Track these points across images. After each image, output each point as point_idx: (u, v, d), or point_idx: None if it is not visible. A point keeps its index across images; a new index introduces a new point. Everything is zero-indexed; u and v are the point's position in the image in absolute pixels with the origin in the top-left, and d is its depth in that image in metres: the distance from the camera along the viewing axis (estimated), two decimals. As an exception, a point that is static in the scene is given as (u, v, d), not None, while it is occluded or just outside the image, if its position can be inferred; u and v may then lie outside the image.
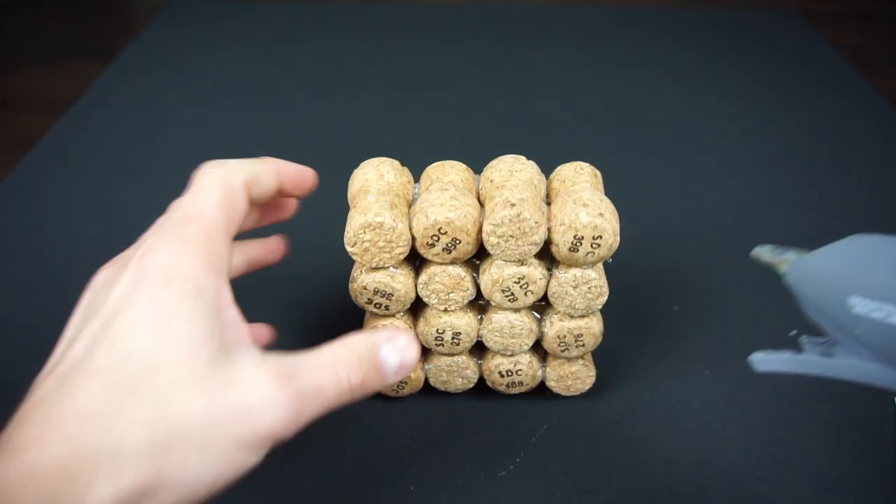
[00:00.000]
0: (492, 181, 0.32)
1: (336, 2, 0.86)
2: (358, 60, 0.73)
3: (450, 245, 0.30)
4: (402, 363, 0.26)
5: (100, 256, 0.48)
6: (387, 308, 0.33)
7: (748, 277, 0.47)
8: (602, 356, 0.38)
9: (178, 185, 0.55)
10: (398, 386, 0.36)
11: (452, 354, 0.35)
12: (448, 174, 0.34)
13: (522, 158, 0.34)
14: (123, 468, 0.20)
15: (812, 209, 0.53)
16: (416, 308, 0.34)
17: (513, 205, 0.29)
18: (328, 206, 0.54)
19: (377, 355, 0.26)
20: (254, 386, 0.23)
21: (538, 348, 0.36)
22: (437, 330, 0.33)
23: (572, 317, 0.33)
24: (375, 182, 0.33)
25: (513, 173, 0.32)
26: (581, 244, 0.30)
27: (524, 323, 0.33)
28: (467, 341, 0.33)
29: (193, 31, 0.79)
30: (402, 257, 0.31)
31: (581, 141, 0.61)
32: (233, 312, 0.25)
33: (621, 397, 0.38)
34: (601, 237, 0.30)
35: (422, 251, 0.31)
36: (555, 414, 0.37)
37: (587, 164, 0.34)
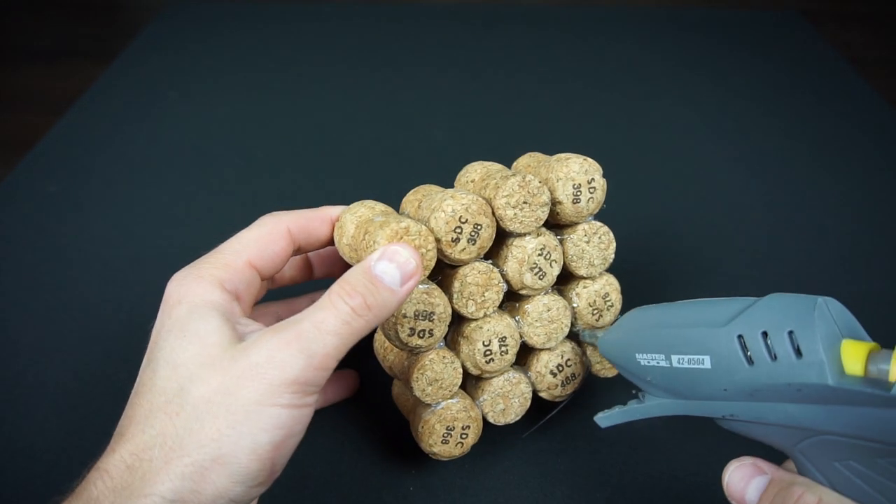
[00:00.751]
0: (473, 181, 0.33)
1: (336, 2, 0.86)
2: (358, 60, 0.73)
3: (473, 234, 0.30)
4: (404, 271, 0.27)
5: (100, 256, 0.48)
6: (431, 333, 0.30)
7: (747, 277, 0.47)
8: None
9: (177, 185, 0.55)
10: (460, 437, 0.33)
11: (503, 371, 0.33)
12: (431, 190, 0.34)
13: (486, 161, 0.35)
14: (171, 457, 0.23)
15: (812, 209, 0.53)
16: (452, 342, 0.34)
17: (514, 174, 0.31)
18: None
19: (371, 273, 0.26)
20: (258, 348, 0.24)
21: (572, 337, 0.36)
22: (484, 343, 0.32)
23: (593, 279, 0.34)
24: (370, 213, 0.32)
25: (487, 166, 0.34)
26: (581, 192, 0.32)
27: (557, 301, 0.33)
28: (513, 344, 0.33)
29: (193, 31, 0.79)
30: (432, 264, 0.30)
31: (581, 140, 0.61)
32: (246, 321, 0.28)
33: (621, 396, 0.38)
34: (594, 178, 0.32)
35: (448, 251, 0.30)
36: (554, 412, 0.37)
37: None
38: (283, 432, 0.24)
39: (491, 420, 0.34)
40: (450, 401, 0.32)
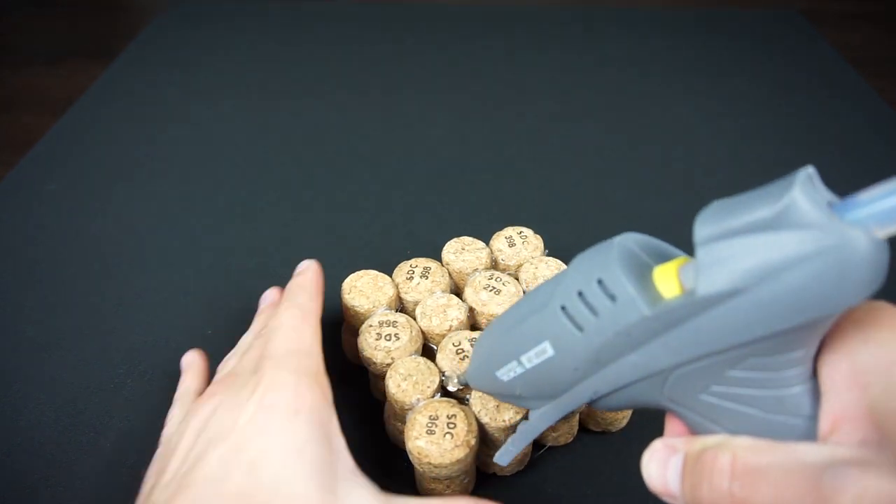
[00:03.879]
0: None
1: (336, 2, 0.86)
2: (358, 60, 0.73)
3: (424, 272, 0.38)
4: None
5: (99, 255, 0.48)
6: (397, 336, 0.35)
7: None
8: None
9: (177, 184, 0.55)
10: (447, 426, 0.32)
11: None
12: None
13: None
14: None
15: (812, 209, 0.53)
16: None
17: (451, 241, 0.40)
18: (328, 208, 0.54)
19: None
20: None
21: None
22: (454, 343, 0.35)
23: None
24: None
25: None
26: (513, 240, 0.41)
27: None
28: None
29: (193, 31, 0.79)
30: (393, 295, 0.37)
31: (580, 140, 0.61)
32: (339, 440, 0.27)
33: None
34: (522, 230, 0.41)
35: (405, 287, 0.38)
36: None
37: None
38: None
39: (489, 422, 0.32)
40: (431, 399, 0.33)
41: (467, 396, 0.33)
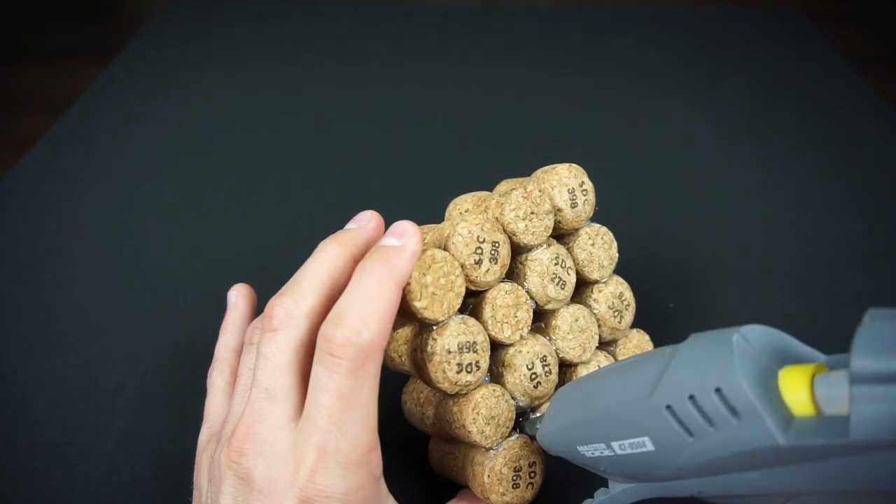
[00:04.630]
0: (468, 210, 0.34)
1: (336, 2, 0.86)
2: (358, 59, 0.73)
3: (493, 253, 0.29)
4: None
5: (100, 254, 0.48)
6: (478, 366, 0.29)
7: (744, 276, 0.47)
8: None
9: (178, 184, 0.55)
10: (528, 476, 0.31)
11: (549, 394, 0.32)
12: (432, 227, 0.34)
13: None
14: None
15: (811, 209, 0.53)
16: (495, 377, 0.32)
17: (514, 189, 0.30)
18: (329, 208, 0.54)
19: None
20: None
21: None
22: (528, 367, 0.30)
23: (605, 282, 0.34)
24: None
25: (475, 195, 0.34)
26: (576, 195, 0.32)
27: (582, 310, 0.33)
28: (554, 363, 0.32)
29: (193, 31, 0.79)
30: (463, 290, 0.28)
31: (580, 140, 0.61)
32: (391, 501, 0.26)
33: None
34: (583, 182, 0.32)
35: (473, 274, 0.29)
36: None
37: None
38: None
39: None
40: (509, 439, 0.30)
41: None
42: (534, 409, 0.32)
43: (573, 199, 0.32)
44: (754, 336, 0.21)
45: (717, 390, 0.20)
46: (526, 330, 0.31)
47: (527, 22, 0.82)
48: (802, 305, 0.45)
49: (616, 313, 0.34)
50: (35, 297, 0.45)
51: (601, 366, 0.34)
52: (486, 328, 0.30)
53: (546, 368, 0.31)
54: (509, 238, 0.30)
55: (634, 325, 0.43)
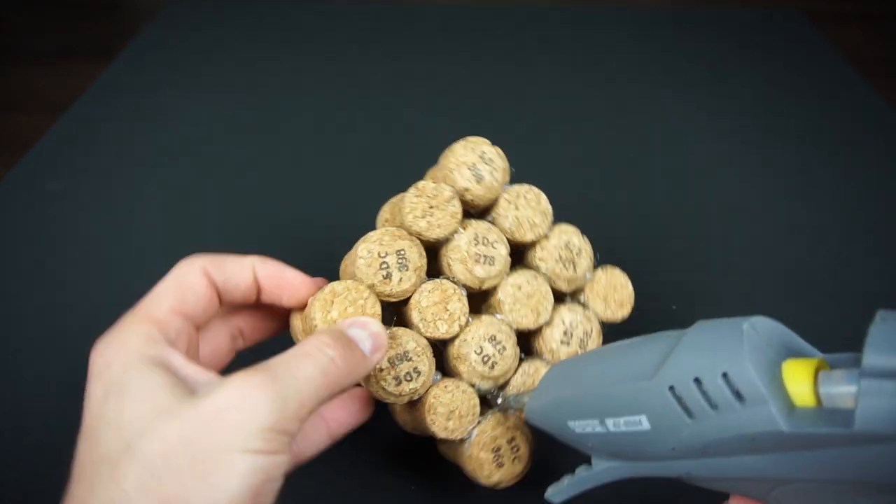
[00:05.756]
0: (387, 220, 0.34)
1: (336, 2, 0.86)
2: (358, 60, 0.73)
3: (400, 261, 0.30)
4: (374, 341, 0.26)
5: (100, 254, 0.48)
6: (418, 371, 0.29)
7: (746, 276, 0.47)
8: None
9: (178, 184, 0.55)
10: (511, 451, 0.31)
11: (513, 368, 0.31)
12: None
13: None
14: None
15: (811, 209, 0.53)
16: (451, 372, 0.32)
17: (405, 191, 0.30)
18: (329, 208, 0.54)
19: (346, 333, 0.26)
20: (223, 393, 0.22)
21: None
22: (476, 352, 0.30)
23: (547, 237, 0.33)
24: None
25: (391, 201, 0.34)
26: (478, 169, 0.31)
27: (524, 275, 0.32)
28: (506, 338, 0.31)
29: (193, 31, 0.79)
30: (378, 309, 0.29)
31: (580, 140, 0.61)
32: (192, 369, 0.24)
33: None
34: (484, 151, 0.31)
35: (387, 289, 0.29)
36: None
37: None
38: (261, 476, 0.21)
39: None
40: (480, 424, 0.30)
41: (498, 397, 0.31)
42: (502, 387, 0.32)
43: (477, 174, 0.31)
44: (761, 327, 0.21)
45: (724, 374, 0.20)
46: (464, 318, 0.30)
47: (527, 22, 0.82)
48: (802, 305, 0.45)
49: (567, 263, 0.33)
50: (35, 297, 0.45)
51: (566, 322, 0.32)
52: (419, 332, 0.30)
53: (498, 347, 0.30)
54: (419, 238, 0.30)
55: (636, 325, 0.43)
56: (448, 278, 0.31)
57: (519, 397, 0.30)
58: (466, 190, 0.31)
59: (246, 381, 0.22)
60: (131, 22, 0.86)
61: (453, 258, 0.30)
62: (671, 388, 0.22)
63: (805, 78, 0.70)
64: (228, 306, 0.30)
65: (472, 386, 0.31)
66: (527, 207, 0.32)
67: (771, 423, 0.19)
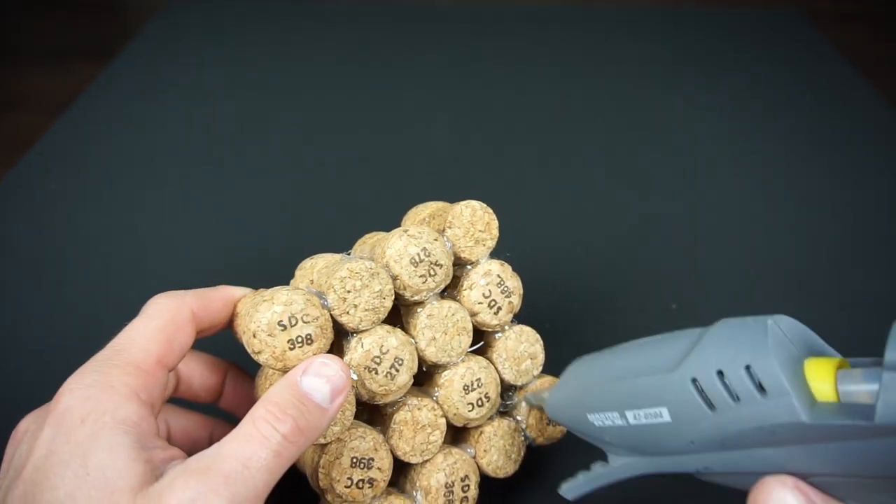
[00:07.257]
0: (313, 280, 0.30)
1: (336, 2, 0.86)
2: (358, 60, 0.73)
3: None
4: (333, 386, 0.24)
5: (100, 254, 0.48)
6: (371, 483, 0.27)
7: (746, 276, 0.47)
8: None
9: (177, 184, 0.55)
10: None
11: (400, 390, 0.28)
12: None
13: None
14: None
15: (811, 209, 0.53)
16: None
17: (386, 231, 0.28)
18: (329, 208, 0.54)
19: (299, 391, 0.23)
20: (177, 494, 0.21)
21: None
22: (375, 360, 0.27)
23: (473, 266, 0.30)
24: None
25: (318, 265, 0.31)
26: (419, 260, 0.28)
27: (448, 305, 0.28)
28: (407, 358, 0.27)
29: (193, 31, 0.79)
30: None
31: (580, 140, 0.61)
32: (162, 444, 0.24)
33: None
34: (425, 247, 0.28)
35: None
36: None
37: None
38: None
39: (407, 457, 0.28)
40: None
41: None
42: (515, 389, 0.31)
43: (415, 264, 0.27)
44: (785, 325, 0.22)
45: (747, 367, 0.21)
46: (350, 416, 0.27)
47: (527, 22, 0.82)
48: (802, 305, 0.44)
49: (491, 304, 0.30)
50: (35, 296, 0.45)
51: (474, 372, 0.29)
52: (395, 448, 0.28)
53: (395, 366, 0.27)
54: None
55: (637, 324, 0.43)
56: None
57: (538, 394, 0.30)
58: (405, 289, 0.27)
59: (198, 484, 0.21)
60: (131, 22, 0.86)
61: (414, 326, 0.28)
62: (693, 381, 0.22)
63: (805, 78, 0.70)
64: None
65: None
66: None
67: (792, 414, 0.20)
